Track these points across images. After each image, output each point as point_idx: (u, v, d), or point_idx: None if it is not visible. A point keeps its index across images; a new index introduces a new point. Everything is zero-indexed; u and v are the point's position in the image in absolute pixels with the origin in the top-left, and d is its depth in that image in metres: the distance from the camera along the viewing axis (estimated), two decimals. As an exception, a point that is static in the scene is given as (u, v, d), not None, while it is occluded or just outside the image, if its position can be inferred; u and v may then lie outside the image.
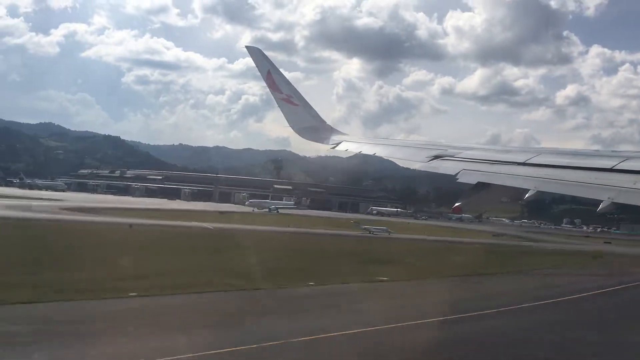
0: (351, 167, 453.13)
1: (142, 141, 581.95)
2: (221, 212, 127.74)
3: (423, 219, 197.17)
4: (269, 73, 17.21)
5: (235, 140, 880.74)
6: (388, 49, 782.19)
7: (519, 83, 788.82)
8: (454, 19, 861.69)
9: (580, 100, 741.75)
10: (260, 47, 18.09)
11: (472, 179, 11.64)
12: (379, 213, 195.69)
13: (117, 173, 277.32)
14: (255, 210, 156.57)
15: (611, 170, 9.90)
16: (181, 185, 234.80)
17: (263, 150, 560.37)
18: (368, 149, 15.42)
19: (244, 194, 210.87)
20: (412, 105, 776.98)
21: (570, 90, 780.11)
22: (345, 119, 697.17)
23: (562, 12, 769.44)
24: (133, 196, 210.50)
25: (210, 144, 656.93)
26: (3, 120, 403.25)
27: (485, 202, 11.81)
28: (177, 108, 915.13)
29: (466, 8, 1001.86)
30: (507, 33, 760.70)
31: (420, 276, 50.76)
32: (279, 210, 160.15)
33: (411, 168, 13.67)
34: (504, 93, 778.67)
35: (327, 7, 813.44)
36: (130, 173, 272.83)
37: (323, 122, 17.62)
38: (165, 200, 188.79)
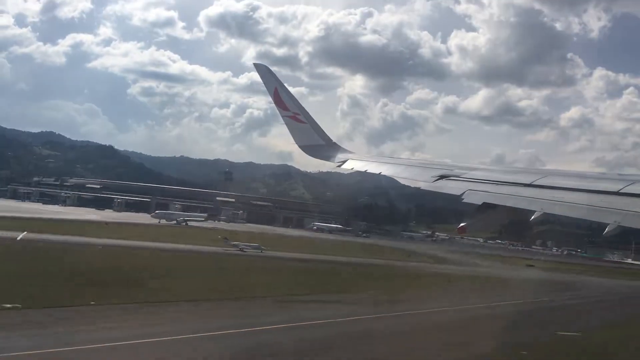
0: (352, 182, 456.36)
1: (143, 152, 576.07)
2: (107, 223, 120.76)
3: (364, 236, 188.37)
4: (276, 90, 17.31)
5: (237, 153, 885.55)
6: (392, 66, 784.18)
7: (523, 104, 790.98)
8: (458, 39, 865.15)
9: (584, 123, 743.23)
10: (264, 62, 18.24)
11: (478, 199, 11.61)
12: (319, 229, 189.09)
13: (58, 181, 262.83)
14: (162, 222, 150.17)
15: (617, 193, 9.88)
16: (117, 195, 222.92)
17: (265, 164, 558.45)
18: (374, 168, 15.45)
19: (178, 205, 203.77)
20: (416, 123, 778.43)
21: (574, 112, 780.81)
22: (349, 136, 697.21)
23: (566, 34, 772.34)
24: (62, 205, 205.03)
25: (211, 156, 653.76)
26: (3, 127, 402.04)
27: (490, 223, 11.77)
28: (181, 120, 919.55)
29: (471, 28, 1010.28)
30: (511, 54, 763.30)
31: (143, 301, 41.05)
32: (187, 222, 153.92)
33: (418, 187, 13.65)
34: (507, 113, 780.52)
35: (332, 23, 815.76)
36: (72, 181, 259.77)
37: (329, 140, 17.67)
38: (86, 210, 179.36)
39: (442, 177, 13.26)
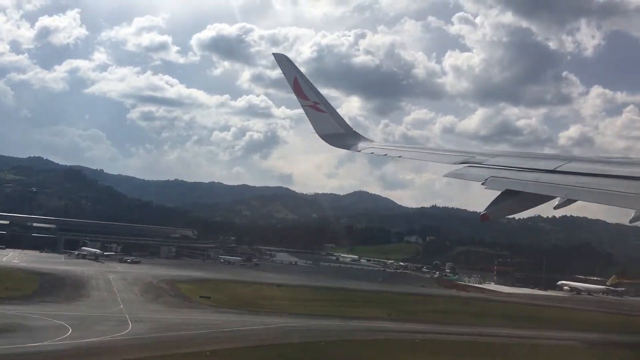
0: (346, 204, 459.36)
1: (136, 176, 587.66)
2: None
3: (128, 261, 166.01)
4: (296, 80, 17.26)
5: (235, 176, 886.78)
6: (386, 87, 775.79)
7: (521, 123, 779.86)
8: (453, 59, 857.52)
9: (584, 142, 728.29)
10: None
11: (500, 186, 11.47)
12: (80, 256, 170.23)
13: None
14: None
15: (645, 178, 9.61)
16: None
17: (260, 186, 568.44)
18: (394, 153, 15.34)
19: None
20: (417, 143, 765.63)
21: (574, 130, 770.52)
22: (350, 157, 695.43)
23: (560, 52, 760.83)
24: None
25: (206, 179, 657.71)
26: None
27: (513, 210, 11.57)
28: (179, 144, 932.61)
29: (465, 48, 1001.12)
30: (506, 73, 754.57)
31: None
32: None
33: (442, 175, 13.52)
34: (506, 133, 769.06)
35: (324, 45, 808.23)
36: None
37: (349, 128, 17.61)
38: None
39: (464, 163, 13.09)
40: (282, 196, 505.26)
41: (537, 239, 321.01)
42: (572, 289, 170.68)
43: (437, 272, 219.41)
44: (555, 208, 11.31)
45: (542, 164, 11.74)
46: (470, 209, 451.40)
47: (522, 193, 11.08)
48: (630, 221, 9.46)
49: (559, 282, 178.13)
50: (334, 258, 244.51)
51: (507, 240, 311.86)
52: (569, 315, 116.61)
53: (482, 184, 11.71)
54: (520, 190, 11.11)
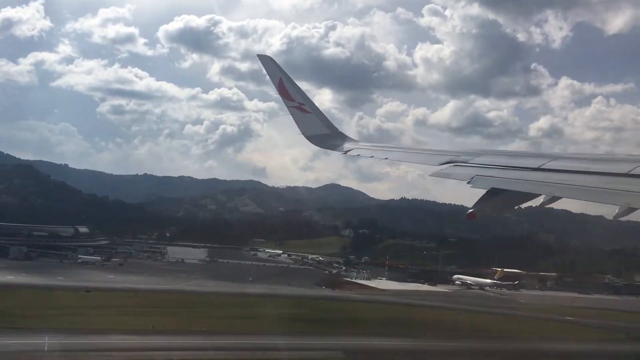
0: (318, 196, 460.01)
1: (105, 171, 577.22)
2: None
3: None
4: (281, 81, 17.24)
5: (206, 170, 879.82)
6: (357, 79, 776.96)
7: (492, 115, 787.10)
8: (423, 51, 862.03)
9: (554, 133, 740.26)
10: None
11: (486, 185, 11.56)
12: None
13: None
14: None
15: (627, 175, 9.76)
16: None
17: (230, 180, 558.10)
18: (380, 154, 15.39)
19: None
20: (392, 136, 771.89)
21: (543, 122, 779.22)
22: (325, 150, 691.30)
23: (529, 44, 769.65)
24: None
25: (176, 174, 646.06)
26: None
27: (499, 208, 11.67)
28: (150, 138, 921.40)
29: (435, 40, 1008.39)
30: (476, 65, 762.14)
31: None
32: None
33: (428, 174, 13.58)
34: (477, 125, 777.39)
35: (294, 37, 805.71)
36: None
37: (335, 129, 17.62)
38: None
39: (449, 163, 13.19)
40: (251, 190, 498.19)
41: (494, 230, 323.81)
42: (463, 283, 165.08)
43: (344, 268, 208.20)
44: (540, 206, 11.45)
45: (526, 162, 11.86)
46: (442, 200, 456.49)
47: (507, 191, 11.18)
48: (614, 217, 9.61)
49: (454, 277, 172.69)
50: (253, 254, 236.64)
51: (465, 231, 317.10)
52: (413, 315, 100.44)
53: (468, 182, 11.81)
54: (506, 188, 11.22)
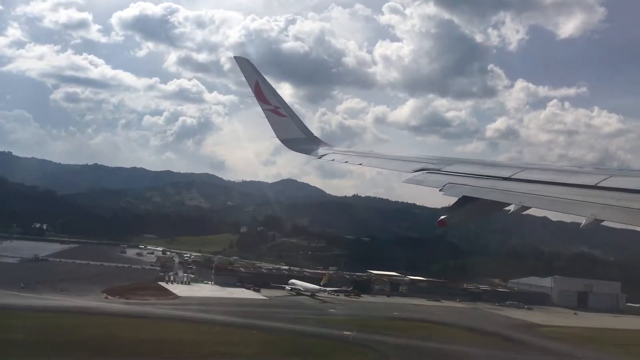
0: (273, 193, 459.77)
1: (52, 160, 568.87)
2: None
3: None
4: (257, 84, 17.16)
5: (162, 162, 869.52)
6: (317, 74, 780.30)
7: (450, 115, 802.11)
8: (383, 48, 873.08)
9: (510, 134, 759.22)
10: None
11: (457, 193, 11.72)
12: None
13: None
14: None
15: (595, 187, 9.99)
16: None
17: (185, 173, 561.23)
18: (354, 160, 15.45)
19: None
20: (354, 133, 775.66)
21: (500, 123, 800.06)
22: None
23: (486, 46, 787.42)
24: None
25: (128, 164, 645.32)
26: None
27: (470, 216, 11.83)
28: (103, 127, 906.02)
29: (395, 38, 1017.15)
30: (434, 65, 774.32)
31: None
32: None
33: (401, 181, 13.66)
34: (435, 124, 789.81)
35: (253, 29, 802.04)
36: None
37: (310, 133, 17.60)
38: None
39: (422, 170, 13.34)
40: (201, 183, 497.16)
41: (426, 231, 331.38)
42: (292, 289, 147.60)
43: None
44: (510, 214, 11.62)
45: (497, 172, 12.06)
46: (394, 199, 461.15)
47: (478, 200, 11.34)
48: (582, 227, 9.79)
49: (289, 281, 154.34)
50: (121, 251, 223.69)
51: (405, 229, 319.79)
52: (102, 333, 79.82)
53: (440, 190, 11.94)
54: (477, 197, 11.37)
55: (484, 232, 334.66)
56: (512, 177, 11.58)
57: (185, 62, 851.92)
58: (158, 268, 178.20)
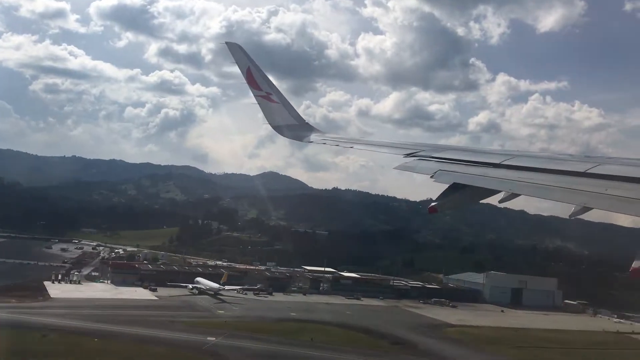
0: (254, 186, 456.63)
1: (29, 152, 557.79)
2: None
3: None
4: (249, 70, 17.01)
5: (143, 154, 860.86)
6: (299, 66, 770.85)
7: (433, 108, 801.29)
8: (366, 41, 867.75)
9: (492, 128, 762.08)
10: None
11: (448, 180, 11.74)
12: None
13: None
14: None
15: (584, 174, 10.03)
16: None
17: (165, 165, 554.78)
18: (346, 145, 15.46)
19: None
20: (339, 126, 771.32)
21: (482, 117, 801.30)
22: (271, 138, 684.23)
23: (467, 39, 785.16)
24: None
25: (107, 157, 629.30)
26: None
27: (460, 203, 11.87)
28: (83, 119, 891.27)
29: (378, 31, 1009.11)
30: (416, 58, 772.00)
31: None
32: None
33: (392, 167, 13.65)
34: (418, 117, 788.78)
35: (235, 20, 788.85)
36: None
37: (302, 120, 17.55)
38: None
39: (413, 156, 13.35)
40: (179, 175, 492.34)
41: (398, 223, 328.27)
42: (193, 287, 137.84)
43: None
44: (500, 202, 11.68)
45: (488, 159, 12.08)
46: (375, 192, 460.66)
47: (468, 187, 11.37)
48: (570, 215, 9.84)
49: (195, 279, 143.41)
50: (46, 246, 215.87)
51: (381, 222, 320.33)
52: None
53: (431, 177, 11.96)
54: (467, 184, 11.40)
55: (459, 225, 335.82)
56: (502, 164, 11.61)
57: (166, 53, 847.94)
58: (70, 265, 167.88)
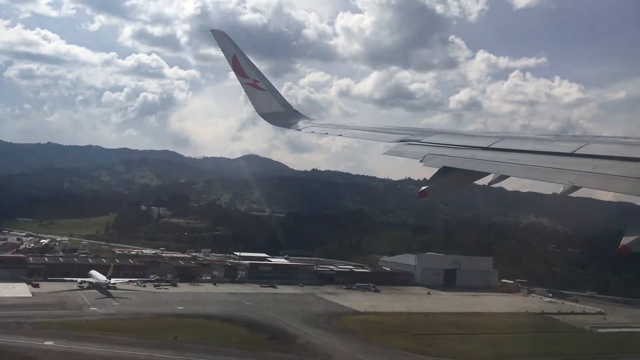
0: (233, 169, 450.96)
1: (3, 139, 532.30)
2: None
3: None
4: (235, 58, 16.87)
5: (122, 139, 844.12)
6: (277, 47, 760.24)
7: (414, 87, 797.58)
8: (344, 20, 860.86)
9: (473, 105, 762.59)
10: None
11: (438, 164, 11.85)
12: None
13: None
14: None
15: (572, 154, 10.19)
16: None
17: (143, 150, 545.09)
18: (334, 132, 15.47)
19: None
20: (321, 107, 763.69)
21: (463, 95, 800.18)
22: (254, 121, 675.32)
23: (446, 17, 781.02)
24: None
25: (83, 143, 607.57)
26: None
27: (450, 187, 11.99)
28: (59, 105, 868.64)
29: (356, 10, 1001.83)
30: (395, 36, 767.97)
31: None
32: None
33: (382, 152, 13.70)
34: (400, 96, 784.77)
35: (209, 1, 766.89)
36: None
37: (290, 107, 17.50)
38: None
39: (402, 141, 13.42)
40: (155, 160, 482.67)
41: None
42: (82, 281, 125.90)
43: None
44: (489, 184, 11.81)
45: (477, 142, 12.20)
46: (356, 172, 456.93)
47: (458, 170, 11.48)
48: (560, 195, 10.01)
49: (90, 272, 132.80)
50: None
51: (358, 202, 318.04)
52: None
53: (421, 161, 12.06)
54: (457, 167, 11.51)
55: (436, 203, 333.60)
56: (491, 146, 11.74)
57: (140, 35, 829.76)
58: None
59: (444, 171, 11.53)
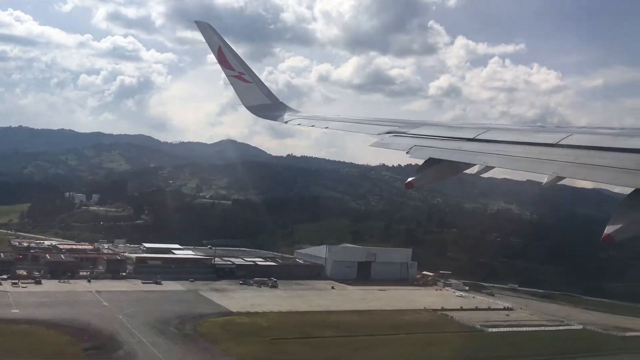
0: (209, 154, 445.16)
1: None
2: None
3: None
4: (220, 49, 16.75)
5: (96, 123, 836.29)
6: (254, 31, 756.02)
7: (393, 72, 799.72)
8: (323, 4, 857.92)
9: (452, 92, 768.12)
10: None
11: (424, 155, 11.95)
12: None
13: None
14: None
15: (556, 145, 10.34)
16: None
17: (117, 134, 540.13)
18: (321, 124, 15.49)
19: None
20: (301, 92, 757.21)
21: (443, 81, 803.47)
22: (234, 106, 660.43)
23: (425, 2, 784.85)
24: None
25: (55, 126, 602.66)
26: None
27: (436, 178, 12.10)
28: (34, 87, 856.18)
29: None
30: (374, 21, 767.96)
31: None
32: None
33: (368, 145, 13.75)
34: (379, 82, 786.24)
35: None
36: None
37: (276, 99, 17.45)
38: None
39: (389, 133, 13.51)
40: (126, 145, 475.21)
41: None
42: (20, 277, 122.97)
43: None
44: (475, 174, 11.93)
45: (463, 133, 12.33)
46: (337, 159, 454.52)
47: (444, 161, 11.59)
48: (544, 185, 10.16)
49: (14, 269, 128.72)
50: None
51: (331, 189, 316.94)
52: None
53: (407, 152, 12.16)
54: (443, 158, 11.62)
55: (406, 190, 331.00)
56: (477, 137, 11.87)
57: (114, 17, 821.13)
58: None
59: (430, 162, 11.63)
